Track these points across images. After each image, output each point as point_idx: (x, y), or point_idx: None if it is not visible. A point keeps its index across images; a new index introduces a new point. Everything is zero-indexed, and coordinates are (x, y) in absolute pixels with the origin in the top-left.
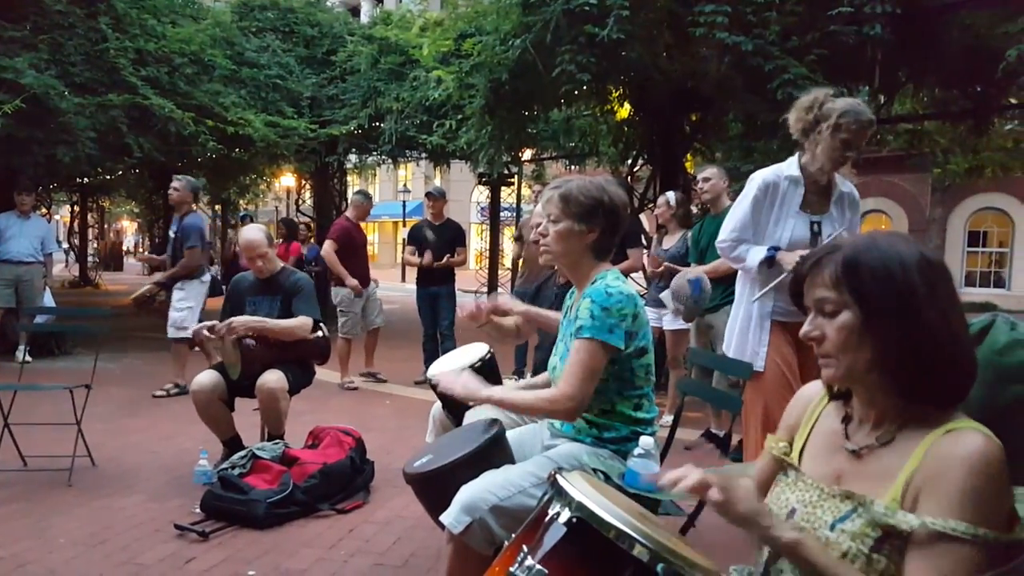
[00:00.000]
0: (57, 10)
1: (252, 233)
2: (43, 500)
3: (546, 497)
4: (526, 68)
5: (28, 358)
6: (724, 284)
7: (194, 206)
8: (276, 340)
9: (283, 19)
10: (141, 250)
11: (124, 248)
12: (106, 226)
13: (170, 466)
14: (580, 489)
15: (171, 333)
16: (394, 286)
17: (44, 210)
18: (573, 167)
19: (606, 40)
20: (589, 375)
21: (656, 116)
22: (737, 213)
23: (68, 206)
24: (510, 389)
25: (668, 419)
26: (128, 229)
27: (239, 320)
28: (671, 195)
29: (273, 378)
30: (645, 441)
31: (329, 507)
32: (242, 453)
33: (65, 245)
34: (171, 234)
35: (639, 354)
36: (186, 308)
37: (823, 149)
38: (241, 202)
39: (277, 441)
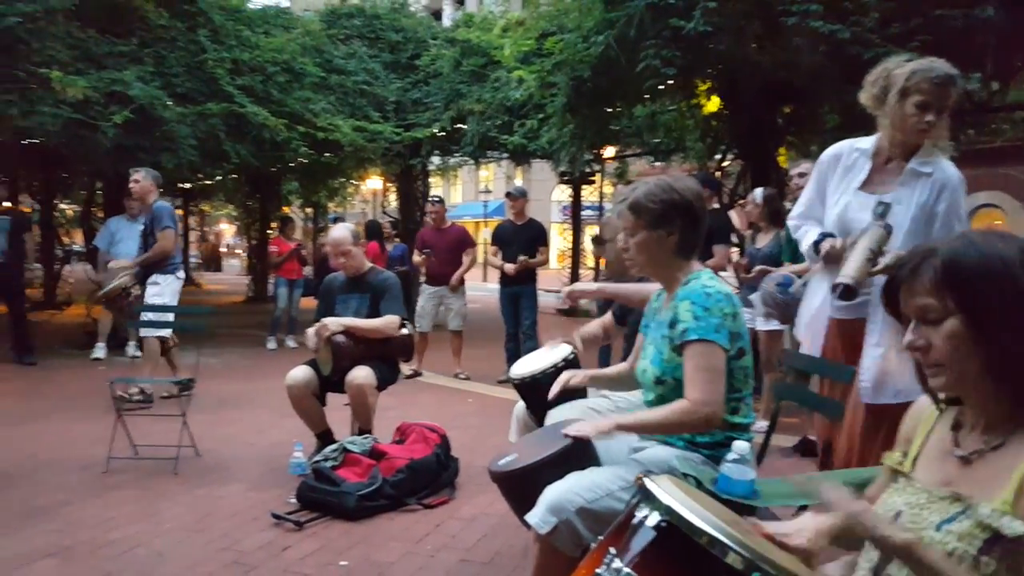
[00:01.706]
0: (161, 25)
1: (339, 231)
2: (152, 487)
3: (634, 500)
4: (609, 65)
5: (137, 353)
6: None
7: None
8: (364, 337)
9: (369, 26)
10: (240, 252)
11: (222, 250)
12: (206, 229)
13: (267, 457)
14: (669, 493)
15: (146, 332)
16: (476, 285)
17: None
18: (658, 163)
19: (692, 33)
20: (714, 376)
21: (746, 109)
22: (807, 188)
23: None
24: (637, 412)
25: (763, 424)
26: (226, 232)
27: (331, 321)
28: (758, 192)
29: (362, 374)
30: (739, 446)
31: (416, 502)
32: (334, 446)
33: None
34: (140, 226)
35: (738, 355)
36: (161, 304)
37: (895, 119)
38: (330, 205)
39: (366, 436)
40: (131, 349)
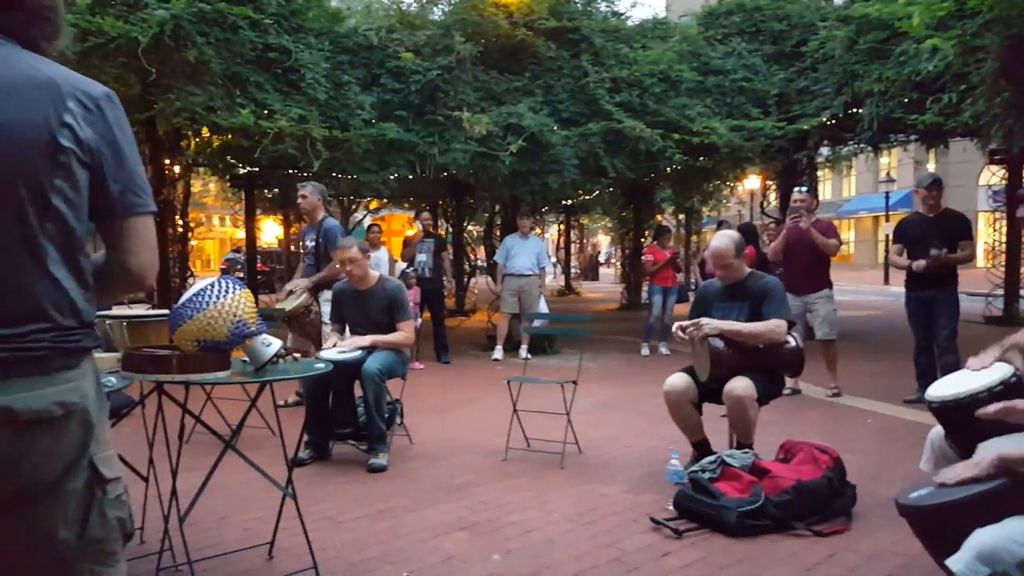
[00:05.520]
0: (548, 56)
1: (720, 241)
2: (542, 478)
3: None
4: None
5: (528, 355)
6: None
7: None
8: (745, 345)
9: (749, 20)
10: (614, 261)
11: (599, 260)
12: (584, 241)
13: (644, 461)
14: None
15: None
16: (875, 289)
17: (538, 230)
18: None
19: None
20: None
21: None
22: None
23: (555, 225)
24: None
25: None
26: (602, 243)
27: (707, 321)
28: None
29: (741, 384)
30: None
31: (804, 527)
32: (711, 458)
33: (554, 259)
34: (308, 243)
35: None
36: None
37: None
38: (704, 209)
39: (746, 450)
40: (523, 352)
